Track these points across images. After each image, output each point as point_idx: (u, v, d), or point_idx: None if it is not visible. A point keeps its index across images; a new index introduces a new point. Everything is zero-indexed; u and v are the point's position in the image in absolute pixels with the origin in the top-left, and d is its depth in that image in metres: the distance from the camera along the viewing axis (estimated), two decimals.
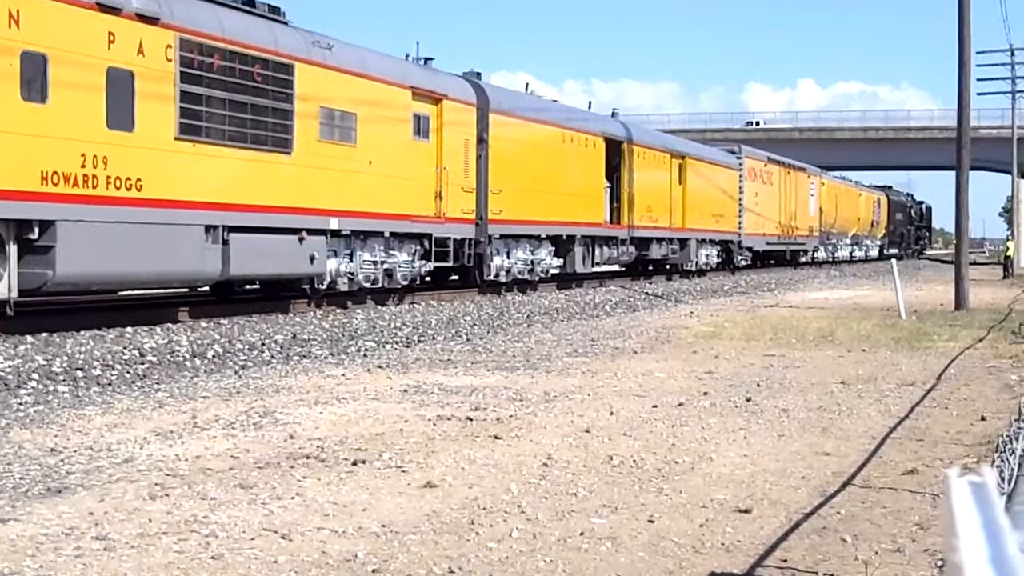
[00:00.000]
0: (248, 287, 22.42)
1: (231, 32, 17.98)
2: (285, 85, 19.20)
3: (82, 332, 15.40)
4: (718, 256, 44.04)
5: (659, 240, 37.31)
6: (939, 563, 5.65)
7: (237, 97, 18.04)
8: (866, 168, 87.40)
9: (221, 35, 17.68)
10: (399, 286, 23.05)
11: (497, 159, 26.46)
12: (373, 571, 5.67)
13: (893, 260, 28.51)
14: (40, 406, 10.93)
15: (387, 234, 22.22)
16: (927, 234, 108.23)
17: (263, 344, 15.99)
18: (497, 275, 26.85)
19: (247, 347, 15.66)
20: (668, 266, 39.69)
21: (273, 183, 18.97)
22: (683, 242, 39.48)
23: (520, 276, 28.12)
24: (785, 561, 5.93)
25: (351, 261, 21.32)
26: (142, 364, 13.77)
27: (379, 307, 21.99)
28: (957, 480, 1.85)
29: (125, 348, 14.30)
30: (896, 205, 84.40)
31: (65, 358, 13.26)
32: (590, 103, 36.63)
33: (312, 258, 19.75)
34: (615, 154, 34.02)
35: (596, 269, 33.85)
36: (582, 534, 6.38)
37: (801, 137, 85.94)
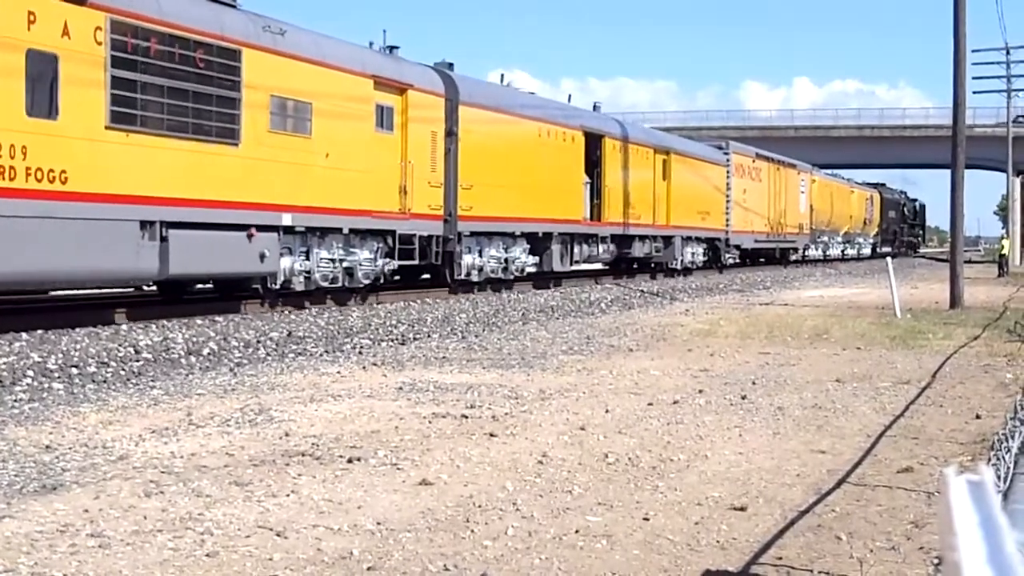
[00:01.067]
0: (200, 287, 21.39)
1: (170, 14, 16.87)
2: (231, 72, 18.01)
3: (77, 329, 15.39)
4: (704, 254, 43.02)
5: (642, 238, 36.30)
6: (935, 561, 5.65)
7: (177, 84, 16.88)
8: (862, 166, 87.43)
9: (159, 17, 16.59)
10: (361, 285, 21.95)
11: (467, 153, 25.39)
12: (368, 569, 5.67)
13: (889, 258, 28.54)
14: (35, 403, 10.91)
15: (346, 231, 21.16)
16: (920, 232, 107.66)
17: (258, 341, 15.98)
18: (469, 274, 25.83)
19: (242, 344, 15.64)
20: (652, 264, 38.82)
21: (218, 176, 17.78)
22: (667, 240, 38.41)
23: (493, 275, 27.01)
24: (780, 559, 5.93)
25: (307, 259, 20.26)
26: (137, 361, 13.76)
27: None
28: (955, 479, 1.85)
29: (120, 345, 14.28)
30: (889, 203, 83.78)
31: (60, 355, 13.24)
32: (569, 96, 35.75)
33: (263, 256, 18.65)
34: (595, 149, 32.93)
35: (575, 268, 32.85)
36: (577, 532, 6.38)
37: (797, 135, 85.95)
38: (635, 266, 38.55)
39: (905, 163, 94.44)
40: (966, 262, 31.82)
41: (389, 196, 22.45)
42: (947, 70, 26.86)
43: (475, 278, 26.10)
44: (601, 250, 33.22)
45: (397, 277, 25.02)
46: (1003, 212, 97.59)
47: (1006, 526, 1.80)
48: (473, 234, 25.87)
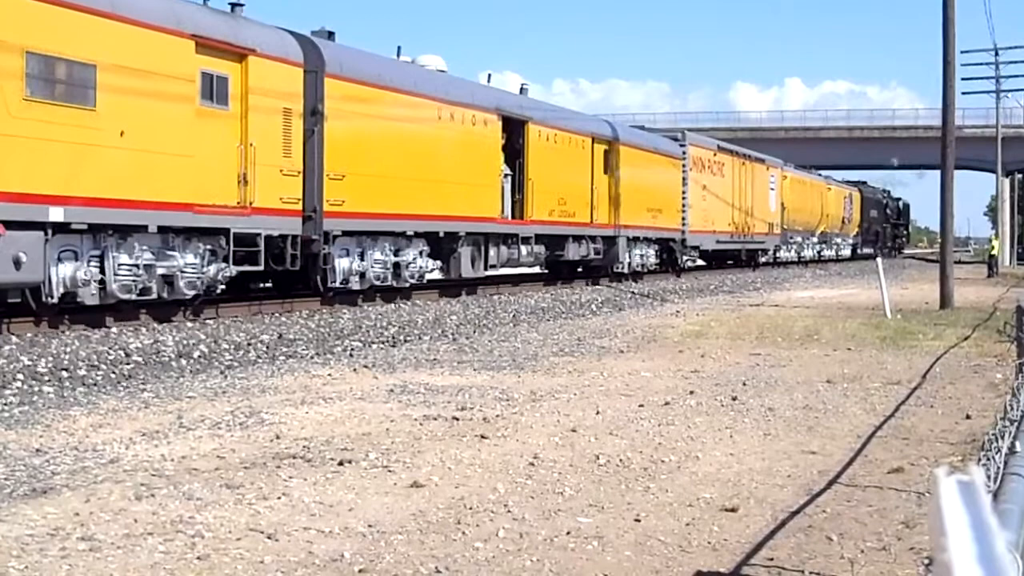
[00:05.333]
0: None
1: None
2: None
3: (67, 332, 15.34)
4: (657, 256, 38.58)
5: (577, 238, 31.70)
6: (925, 561, 5.67)
7: None
8: (851, 167, 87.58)
9: None
10: (186, 297, 17.45)
11: (338, 136, 20.76)
12: (360, 571, 5.67)
13: (879, 259, 28.55)
14: (25, 406, 10.89)
15: (154, 229, 16.60)
16: (904, 232, 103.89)
17: (249, 344, 15.95)
18: (346, 281, 21.30)
19: (233, 347, 15.62)
20: (595, 268, 34.61)
21: None
22: (610, 240, 33.92)
23: (380, 282, 22.41)
24: (771, 560, 5.94)
25: (101, 266, 15.87)
26: (127, 364, 13.73)
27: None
28: (945, 479, 1.86)
29: (110, 348, 14.25)
30: (870, 202, 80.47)
31: (50, 358, 13.21)
32: (489, 76, 30.27)
33: (17, 261, 14.25)
34: (518, 136, 28.37)
35: (491, 273, 28.18)
36: (569, 533, 6.38)
37: (787, 136, 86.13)
38: (579, 270, 34.50)
39: (895, 164, 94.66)
40: (956, 262, 31.90)
41: (221, 186, 17.90)
42: (938, 71, 26.85)
43: (355, 286, 21.69)
44: (524, 252, 28.78)
45: (268, 284, 21.84)
46: (993, 213, 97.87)
47: (996, 526, 1.81)
48: (348, 234, 21.31)
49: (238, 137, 18.26)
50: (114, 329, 16.02)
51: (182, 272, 17.18)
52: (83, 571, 5.57)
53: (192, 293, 17.50)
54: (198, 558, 5.79)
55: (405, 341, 18.01)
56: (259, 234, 18.66)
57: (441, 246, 24.86)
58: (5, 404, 10.99)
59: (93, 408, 10.73)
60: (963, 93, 67.11)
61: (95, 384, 12.55)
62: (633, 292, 31.52)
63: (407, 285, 23.49)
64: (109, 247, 15.94)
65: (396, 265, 22.94)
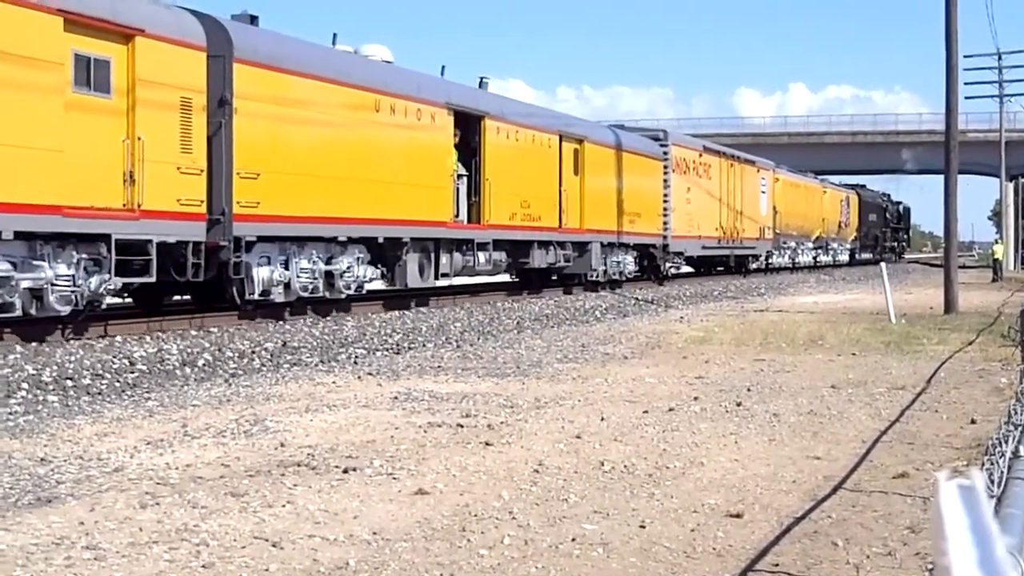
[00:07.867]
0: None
1: None
2: None
3: (71, 341, 15.35)
4: (636, 263, 36.27)
5: (543, 244, 29.25)
6: (930, 566, 5.67)
7: None
8: (855, 172, 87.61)
9: None
10: (59, 314, 15.10)
11: (251, 130, 18.37)
12: None
13: (883, 264, 28.51)
14: (30, 415, 10.90)
15: (10, 235, 14.13)
16: (905, 237, 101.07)
17: (253, 352, 15.96)
18: (267, 292, 18.84)
19: (237, 355, 15.62)
20: (570, 277, 32.41)
21: None
22: (582, 246, 31.57)
23: (309, 294, 20.01)
24: (777, 566, 5.94)
25: None
26: (132, 373, 13.74)
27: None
28: (946, 484, 1.86)
29: (115, 357, 14.25)
30: (869, 205, 78.12)
31: (55, 367, 13.22)
32: (443, 68, 26.88)
33: None
34: (474, 133, 26.05)
35: (444, 282, 25.99)
36: (574, 540, 6.38)
37: (790, 142, 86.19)
38: (554, 278, 32.23)
39: (898, 169, 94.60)
40: (960, 267, 31.88)
41: (101, 186, 15.53)
42: (941, 75, 26.85)
43: (279, 298, 19.31)
44: (482, 260, 26.18)
45: (186, 297, 19.84)
46: (997, 217, 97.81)
47: (997, 531, 1.81)
48: (268, 240, 18.87)
49: (123, 130, 15.90)
50: (118, 338, 16.04)
51: (53, 285, 14.81)
52: None
53: (67, 309, 15.15)
54: (203, 566, 5.80)
55: (409, 348, 18.01)
56: (150, 240, 16.24)
57: (384, 253, 22.53)
58: (10, 413, 11.00)
59: (98, 417, 10.74)
60: (967, 98, 67.17)
61: (100, 393, 12.56)
62: (637, 298, 31.47)
63: (342, 296, 21.11)
64: None
65: (329, 274, 20.61)
